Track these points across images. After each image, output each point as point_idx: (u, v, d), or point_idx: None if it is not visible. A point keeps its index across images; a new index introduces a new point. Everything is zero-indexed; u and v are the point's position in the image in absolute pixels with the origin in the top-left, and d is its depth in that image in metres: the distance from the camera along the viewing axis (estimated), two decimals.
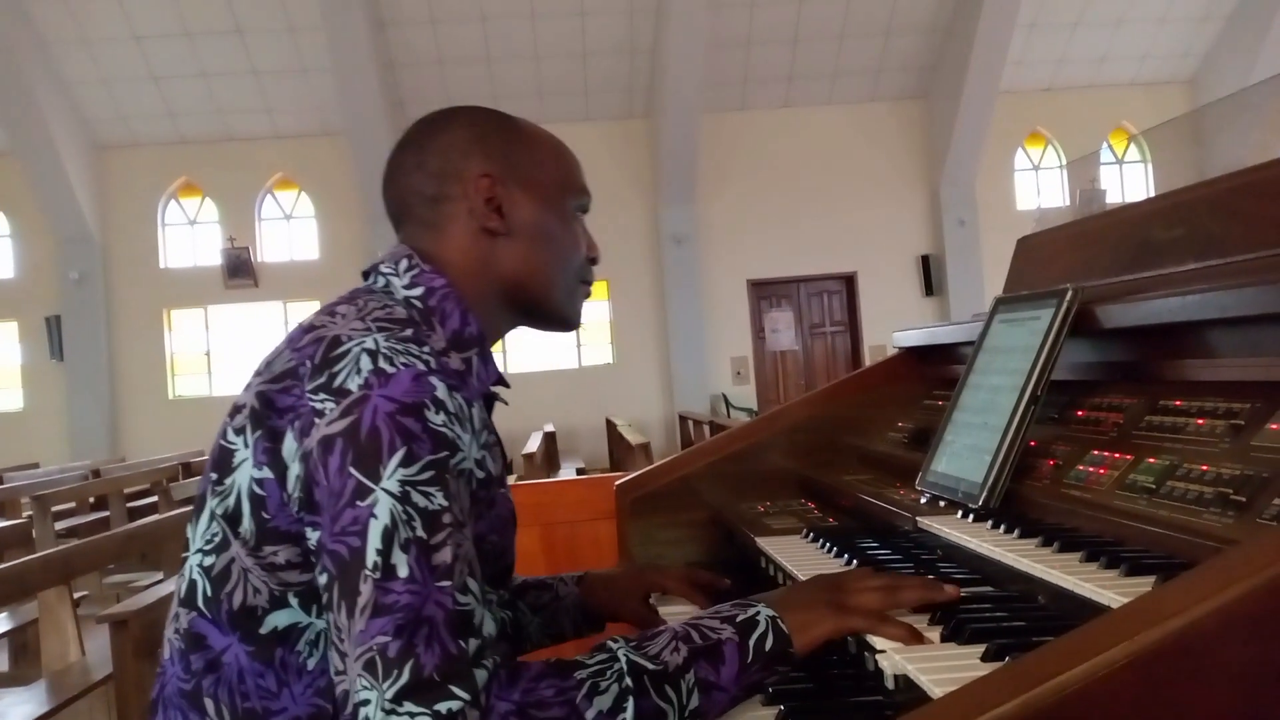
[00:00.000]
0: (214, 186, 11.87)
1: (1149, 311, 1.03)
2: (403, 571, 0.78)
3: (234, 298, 11.83)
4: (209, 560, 0.90)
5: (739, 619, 0.89)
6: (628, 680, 0.82)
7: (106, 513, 7.37)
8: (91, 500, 7.96)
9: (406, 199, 1.05)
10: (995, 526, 1.09)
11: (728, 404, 11.65)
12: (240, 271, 11.75)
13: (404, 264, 1.01)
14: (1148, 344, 1.11)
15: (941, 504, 1.25)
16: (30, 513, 6.05)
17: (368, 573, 0.78)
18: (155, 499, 7.76)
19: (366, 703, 0.75)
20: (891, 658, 0.83)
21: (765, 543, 1.39)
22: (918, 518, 1.24)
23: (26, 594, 3.41)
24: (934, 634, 0.88)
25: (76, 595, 3.50)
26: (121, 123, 11.41)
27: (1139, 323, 1.05)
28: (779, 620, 0.89)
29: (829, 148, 11.89)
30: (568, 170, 1.10)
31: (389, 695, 0.74)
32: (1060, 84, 12.11)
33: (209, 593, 0.90)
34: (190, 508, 1.00)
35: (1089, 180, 11.93)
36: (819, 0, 10.77)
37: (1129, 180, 12.44)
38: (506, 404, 1.09)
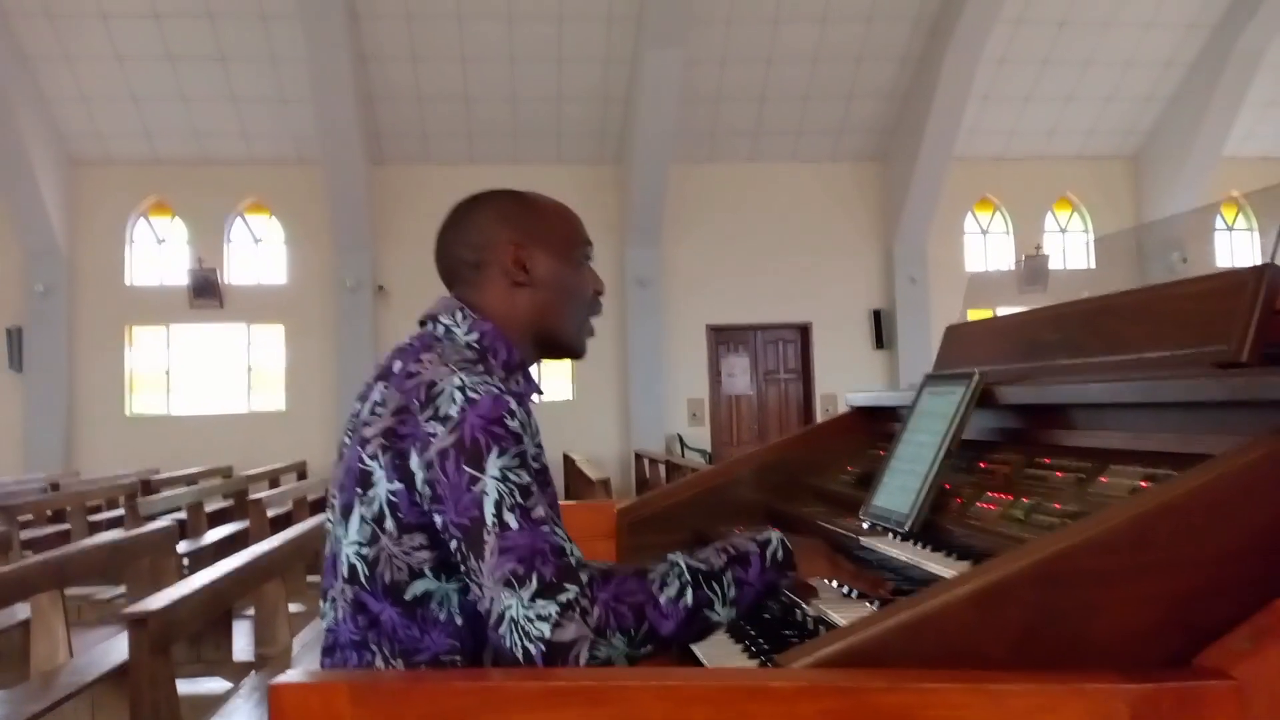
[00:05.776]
0: (185, 207, 11.88)
1: (1030, 394, 1.42)
2: (514, 525, 1.14)
3: (198, 317, 11.82)
4: (365, 550, 1.25)
5: (758, 539, 1.28)
6: (686, 576, 1.18)
7: (66, 526, 7.43)
8: (49, 513, 7.99)
9: (455, 266, 1.43)
10: (916, 544, 1.47)
11: (683, 444, 11.85)
12: (206, 292, 11.73)
13: (458, 315, 1.37)
14: (1030, 417, 1.51)
15: (878, 529, 1.62)
16: None
17: (489, 530, 1.14)
18: (119, 513, 7.83)
19: (509, 607, 1.09)
20: (816, 606, 1.28)
21: None
22: (861, 539, 1.62)
23: (24, 596, 3.57)
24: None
25: None
26: (97, 140, 11.41)
27: (1024, 401, 1.44)
28: (785, 541, 1.28)
29: (790, 202, 12.26)
30: (573, 229, 1.48)
31: (525, 598, 1.09)
32: (1010, 154, 12.62)
33: (367, 574, 1.25)
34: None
35: (1034, 248, 12.62)
36: (786, 63, 11.17)
37: (1070, 246, 13.10)
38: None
